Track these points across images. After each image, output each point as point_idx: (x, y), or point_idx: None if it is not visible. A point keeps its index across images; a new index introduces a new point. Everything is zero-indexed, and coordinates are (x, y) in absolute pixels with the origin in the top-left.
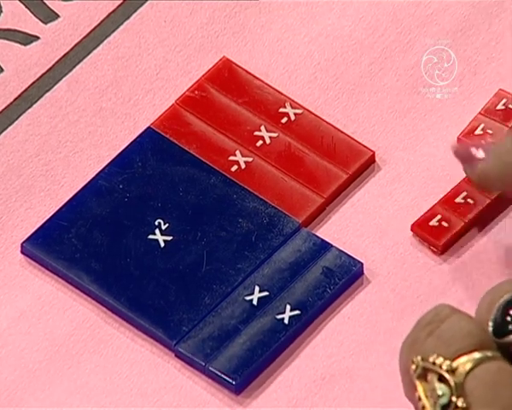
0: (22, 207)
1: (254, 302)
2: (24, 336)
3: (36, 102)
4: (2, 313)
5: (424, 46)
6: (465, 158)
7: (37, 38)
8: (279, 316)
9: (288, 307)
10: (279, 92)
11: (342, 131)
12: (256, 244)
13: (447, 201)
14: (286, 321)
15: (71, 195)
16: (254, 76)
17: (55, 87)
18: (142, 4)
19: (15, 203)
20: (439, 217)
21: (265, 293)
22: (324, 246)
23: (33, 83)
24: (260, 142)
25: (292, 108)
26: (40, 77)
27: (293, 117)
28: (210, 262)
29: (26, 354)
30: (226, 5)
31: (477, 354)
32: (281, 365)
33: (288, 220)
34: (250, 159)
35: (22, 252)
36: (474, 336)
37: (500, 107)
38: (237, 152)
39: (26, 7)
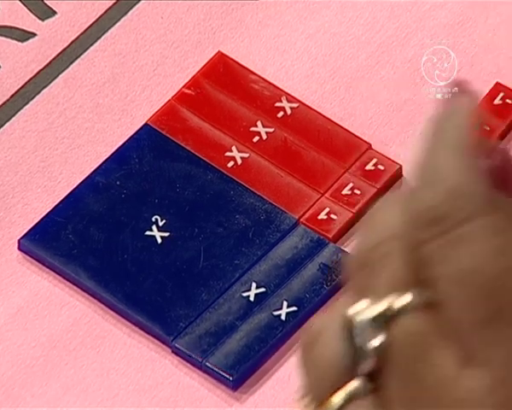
0: (19, 203)
1: (251, 298)
2: (21, 332)
3: (33, 98)
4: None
5: (422, 40)
6: None
7: (34, 34)
8: (276, 312)
9: (285, 303)
10: (275, 86)
11: (339, 125)
12: (253, 240)
13: None
14: (283, 317)
15: (68, 191)
16: (249, 70)
17: (52, 84)
18: (138, 1)
19: (12, 200)
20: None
21: (262, 289)
22: (321, 242)
23: (30, 79)
24: (257, 137)
25: (288, 102)
26: (37, 73)
27: (289, 111)
28: (207, 258)
29: (23, 350)
30: (223, 2)
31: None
32: (278, 361)
33: (285, 216)
34: (246, 155)
35: (19, 248)
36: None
37: (497, 102)
38: (233, 148)
39: (23, 4)
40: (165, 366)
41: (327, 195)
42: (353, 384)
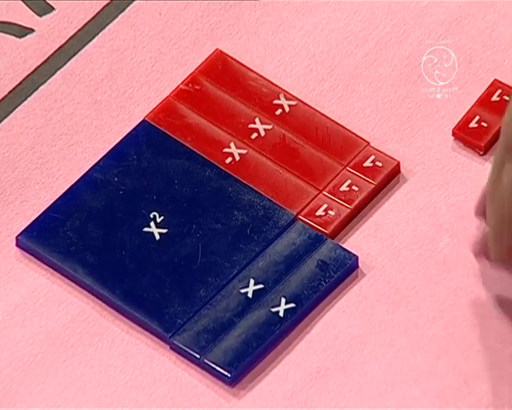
0: (17, 200)
1: (249, 295)
2: (19, 329)
3: (31, 94)
4: None
5: (420, 37)
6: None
7: (32, 30)
8: (274, 309)
9: (283, 300)
10: (273, 84)
11: (337, 122)
12: (251, 237)
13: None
14: (281, 314)
15: (66, 188)
16: (248, 68)
17: (50, 80)
18: None
19: (10, 196)
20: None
21: (260, 286)
22: (319, 239)
23: (28, 75)
24: (255, 134)
25: (286, 99)
26: (35, 70)
27: (287, 109)
28: (205, 255)
29: (21, 346)
30: None
31: None
32: (276, 358)
33: (283, 213)
34: (244, 151)
35: (17, 245)
36: None
37: (495, 98)
38: (231, 144)
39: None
40: (163, 363)
41: (325, 191)
42: None
